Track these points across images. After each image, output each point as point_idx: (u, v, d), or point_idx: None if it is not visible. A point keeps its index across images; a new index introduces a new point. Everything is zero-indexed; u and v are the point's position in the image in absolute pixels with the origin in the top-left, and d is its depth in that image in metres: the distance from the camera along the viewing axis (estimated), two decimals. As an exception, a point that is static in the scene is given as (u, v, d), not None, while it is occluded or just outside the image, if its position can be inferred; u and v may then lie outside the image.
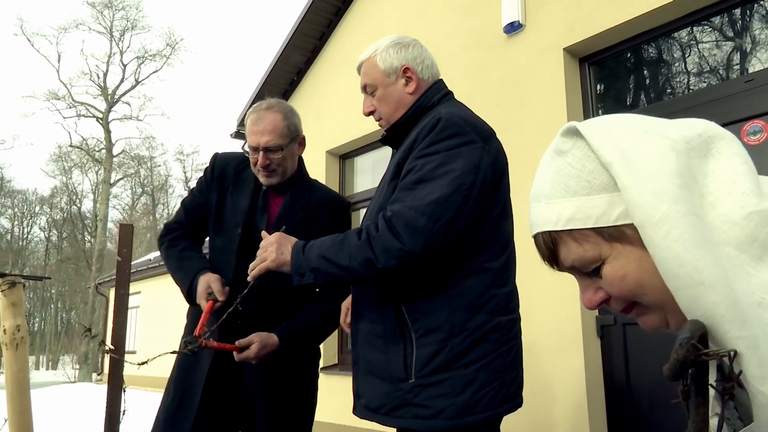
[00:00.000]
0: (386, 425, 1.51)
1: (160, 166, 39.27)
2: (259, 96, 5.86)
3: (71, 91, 31.73)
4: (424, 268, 1.46)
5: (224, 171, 2.10)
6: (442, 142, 1.48)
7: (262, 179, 2.03)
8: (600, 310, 3.32)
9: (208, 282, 1.89)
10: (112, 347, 2.57)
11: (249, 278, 1.65)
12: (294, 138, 2.03)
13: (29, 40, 33.37)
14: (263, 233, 1.67)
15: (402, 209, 1.43)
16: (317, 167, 5.53)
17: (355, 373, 1.64)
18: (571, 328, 3.27)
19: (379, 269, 1.41)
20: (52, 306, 41.44)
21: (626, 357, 3.20)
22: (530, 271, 3.35)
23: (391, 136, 1.74)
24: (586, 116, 3.56)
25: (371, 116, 1.76)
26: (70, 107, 31.56)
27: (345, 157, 5.56)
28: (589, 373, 3.20)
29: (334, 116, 5.38)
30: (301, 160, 2.13)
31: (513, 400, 1.52)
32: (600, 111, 3.57)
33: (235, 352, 1.83)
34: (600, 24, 3.36)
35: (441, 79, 1.77)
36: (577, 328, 3.25)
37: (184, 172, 39.78)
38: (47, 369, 36.62)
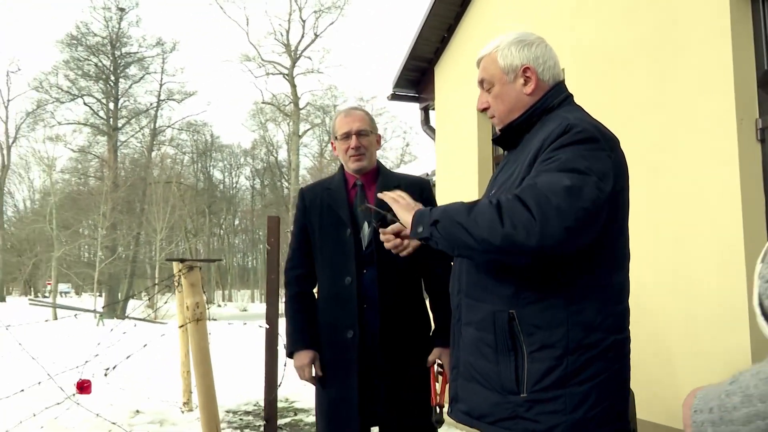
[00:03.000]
0: None
1: (343, 114, 41.40)
2: (406, 67, 5.93)
3: (260, 51, 34.63)
4: (548, 260, 1.39)
5: (314, 194, 2.37)
6: (571, 146, 1.42)
7: (352, 164, 2.30)
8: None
9: (310, 360, 2.27)
10: (267, 326, 2.94)
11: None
12: (375, 131, 2.39)
13: (221, 8, 36.67)
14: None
15: (530, 188, 1.38)
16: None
17: (454, 377, 1.66)
18: (734, 297, 2.97)
19: (503, 234, 1.35)
20: (261, 246, 46.83)
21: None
22: (687, 232, 3.10)
23: (505, 136, 1.70)
24: (759, 64, 3.08)
25: (485, 112, 1.74)
26: (260, 66, 34.54)
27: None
28: (756, 352, 2.91)
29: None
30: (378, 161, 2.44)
31: (623, 418, 1.49)
32: (777, 53, 3.06)
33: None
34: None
35: (563, 81, 1.68)
36: (742, 297, 2.94)
37: (366, 118, 41.57)
38: (261, 302, 41.89)
